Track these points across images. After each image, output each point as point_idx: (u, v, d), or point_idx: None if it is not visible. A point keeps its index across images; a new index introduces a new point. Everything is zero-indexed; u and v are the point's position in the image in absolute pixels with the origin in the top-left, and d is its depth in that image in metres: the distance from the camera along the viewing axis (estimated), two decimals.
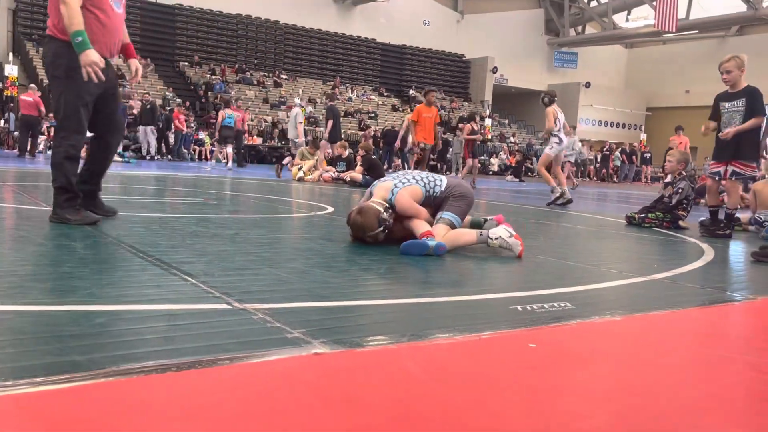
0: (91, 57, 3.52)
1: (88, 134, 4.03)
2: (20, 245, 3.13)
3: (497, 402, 1.46)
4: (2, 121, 17.88)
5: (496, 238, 3.73)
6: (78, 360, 1.54)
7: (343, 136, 22.97)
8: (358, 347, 1.77)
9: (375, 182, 4.03)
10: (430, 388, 1.52)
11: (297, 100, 18.80)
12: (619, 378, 1.72)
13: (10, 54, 22.88)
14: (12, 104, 19.56)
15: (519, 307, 2.36)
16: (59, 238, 3.37)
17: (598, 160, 27.40)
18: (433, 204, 3.90)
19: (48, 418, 1.23)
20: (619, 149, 26.77)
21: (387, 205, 3.73)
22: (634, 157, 19.72)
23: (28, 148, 15.35)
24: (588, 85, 36.80)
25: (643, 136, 25.69)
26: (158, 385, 1.43)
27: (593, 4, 36.76)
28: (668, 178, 6.60)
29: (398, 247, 3.53)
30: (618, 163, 26.53)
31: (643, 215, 6.22)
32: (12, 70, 20.92)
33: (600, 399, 1.53)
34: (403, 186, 3.81)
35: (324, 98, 16.51)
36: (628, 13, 35.70)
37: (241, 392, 1.42)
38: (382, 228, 3.66)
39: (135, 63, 4.12)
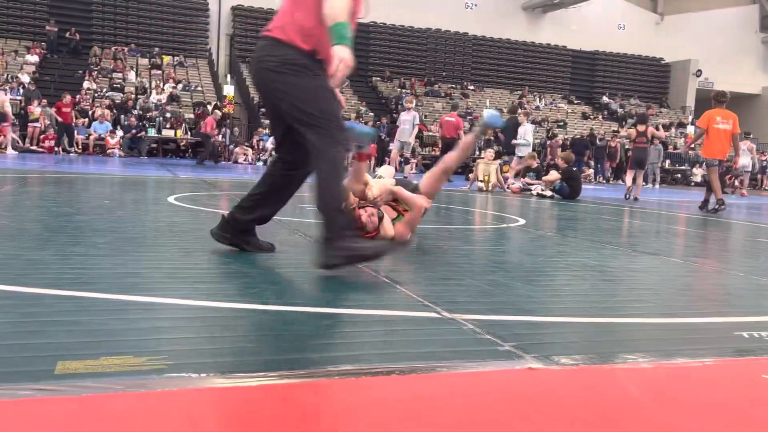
0: (348, 52, 2.55)
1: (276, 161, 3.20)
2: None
3: None
4: (221, 136, 19.99)
5: None
6: (313, 357, 1.70)
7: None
8: (572, 365, 1.76)
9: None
10: (654, 413, 1.48)
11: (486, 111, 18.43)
12: None
13: (228, 75, 25.60)
14: (228, 120, 21.73)
15: (745, 334, 2.19)
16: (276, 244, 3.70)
17: None
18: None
19: (297, 407, 1.39)
20: None
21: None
22: None
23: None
24: None
25: None
26: (386, 386, 1.54)
27: None
28: None
29: (601, 263, 3.42)
30: None
31: None
32: (229, 90, 23.37)
33: None
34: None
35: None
36: None
37: (461, 400, 1.48)
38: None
39: None
